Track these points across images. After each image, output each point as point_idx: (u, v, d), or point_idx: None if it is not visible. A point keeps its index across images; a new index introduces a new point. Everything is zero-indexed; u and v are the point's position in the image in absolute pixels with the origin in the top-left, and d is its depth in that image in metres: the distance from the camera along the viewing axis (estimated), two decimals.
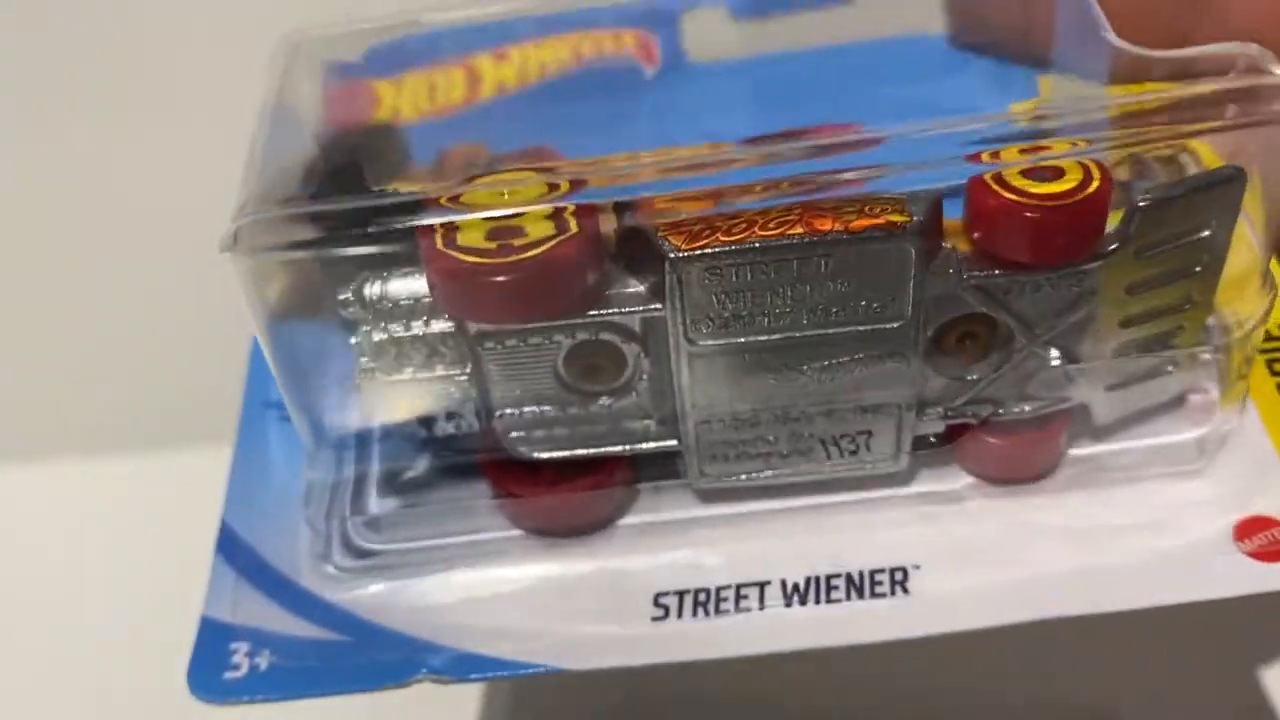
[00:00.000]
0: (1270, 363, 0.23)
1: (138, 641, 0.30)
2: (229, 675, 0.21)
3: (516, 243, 0.19)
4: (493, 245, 0.19)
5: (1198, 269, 0.21)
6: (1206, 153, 0.21)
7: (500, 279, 0.19)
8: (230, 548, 0.23)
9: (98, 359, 0.39)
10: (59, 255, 0.38)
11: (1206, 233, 0.20)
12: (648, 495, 0.23)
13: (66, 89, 0.36)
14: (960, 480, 0.22)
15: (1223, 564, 0.21)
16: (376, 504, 0.23)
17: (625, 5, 0.26)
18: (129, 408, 0.39)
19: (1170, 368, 0.22)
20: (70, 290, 0.39)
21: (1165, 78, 0.19)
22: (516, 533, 0.23)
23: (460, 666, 0.21)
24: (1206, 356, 0.22)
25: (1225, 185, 0.20)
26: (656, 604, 0.22)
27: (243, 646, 0.22)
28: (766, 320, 0.20)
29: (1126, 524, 0.22)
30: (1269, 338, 0.23)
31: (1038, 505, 0.22)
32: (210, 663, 0.22)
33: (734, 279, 0.20)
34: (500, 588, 0.22)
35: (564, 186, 0.20)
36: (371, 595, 0.22)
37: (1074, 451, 0.22)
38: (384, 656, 0.21)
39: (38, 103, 0.36)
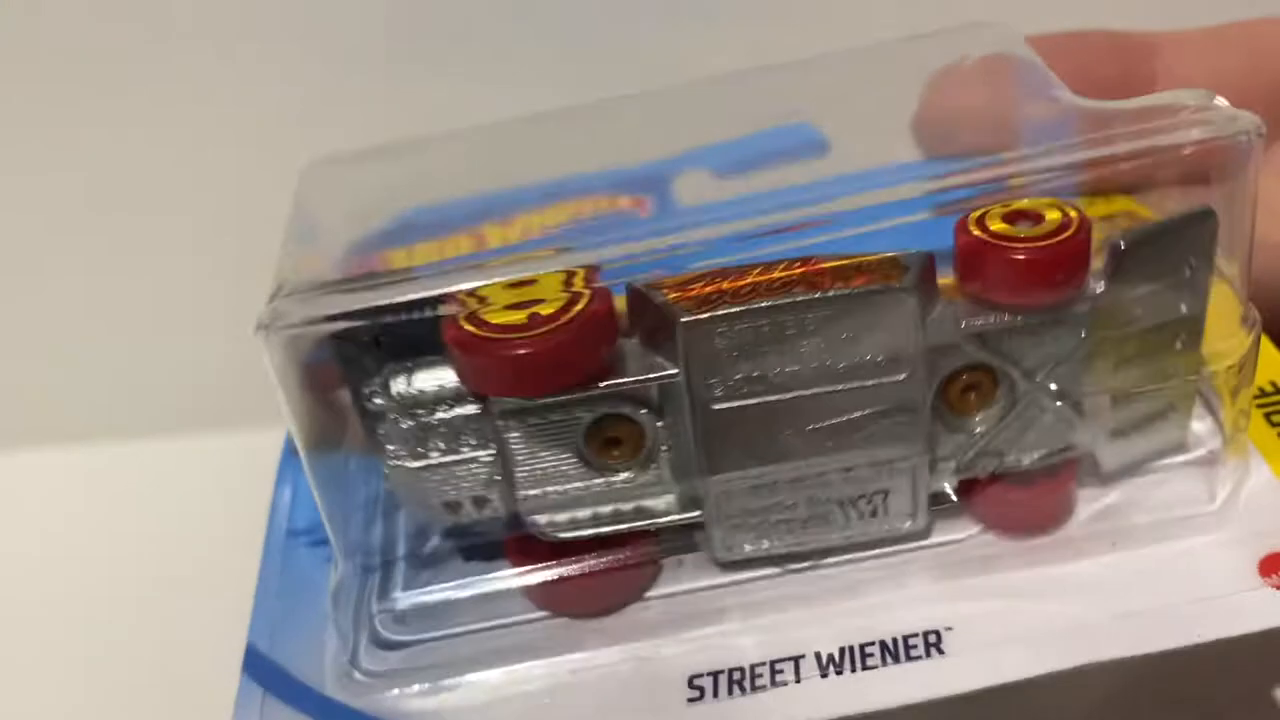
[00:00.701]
0: (1269, 414, 0.24)
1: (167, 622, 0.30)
2: None
3: (543, 312, 0.20)
4: (520, 317, 0.20)
5: (1183, 309, 0.22)
6: None
7: (529, 350, 0.20)
8: (256, 666, 0.23)
9: (135, 345, 0.40)
10: (116, 243, 0.39)
11: (1186, 273, 0.21)
12: (670, 570, 0.23)
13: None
14: (980, 535, 0.23)
15: (1254, 599, 0.21)
16: (402, 595, 0.23)
17: (619, 173, 0.28)
18: (165, 393, 0.39)
19: (1170, 413, 0.22)
20: (117, 281, 0.40)
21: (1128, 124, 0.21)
22: (542, 619, 0.22)
23: None
24: (1201, 391, 0.22)
25: (1198, 223, 0.21)
26: (691, 685, 0.21)
27: None
28: (777, 380, 0.21)
29: (1150, 570, 0.22)
30: (1263, 393, 0.24)
31: (1059, 556, 0.22)
32: None
33: (743, 340, 0.20)
34: (529, 684, 0.22)
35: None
36: (398, 699, 0.22)
37: (1088, 502, 0.23)
38: None
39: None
